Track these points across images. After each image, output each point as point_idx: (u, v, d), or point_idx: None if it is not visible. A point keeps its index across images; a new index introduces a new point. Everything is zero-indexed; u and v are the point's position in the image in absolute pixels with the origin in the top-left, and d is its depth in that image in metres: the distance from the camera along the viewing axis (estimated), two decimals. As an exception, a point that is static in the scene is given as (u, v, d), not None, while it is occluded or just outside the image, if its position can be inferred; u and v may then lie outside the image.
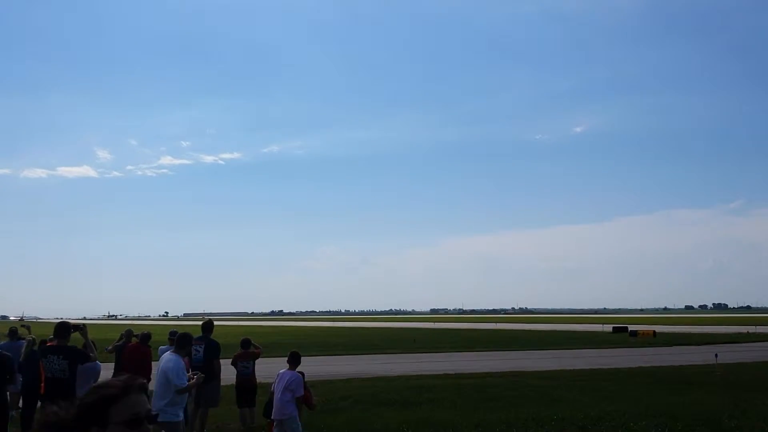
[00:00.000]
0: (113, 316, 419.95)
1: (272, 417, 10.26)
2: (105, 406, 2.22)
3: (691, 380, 21.49)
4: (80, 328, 9.05)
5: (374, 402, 16.48)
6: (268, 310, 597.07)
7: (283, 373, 10.36)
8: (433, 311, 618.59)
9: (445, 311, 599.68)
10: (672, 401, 16.14)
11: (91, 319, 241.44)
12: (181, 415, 8.64)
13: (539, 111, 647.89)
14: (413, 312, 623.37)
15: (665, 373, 24.15)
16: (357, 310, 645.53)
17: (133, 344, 14.26)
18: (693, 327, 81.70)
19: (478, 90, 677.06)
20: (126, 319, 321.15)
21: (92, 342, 9.15)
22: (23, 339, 13.12)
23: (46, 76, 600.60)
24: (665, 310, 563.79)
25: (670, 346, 44.05)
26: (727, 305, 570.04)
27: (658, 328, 66.88)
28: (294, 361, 10.53)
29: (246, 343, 13.99)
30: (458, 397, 17.40)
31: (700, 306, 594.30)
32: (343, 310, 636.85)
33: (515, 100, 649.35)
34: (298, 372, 10.99)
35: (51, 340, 9.27)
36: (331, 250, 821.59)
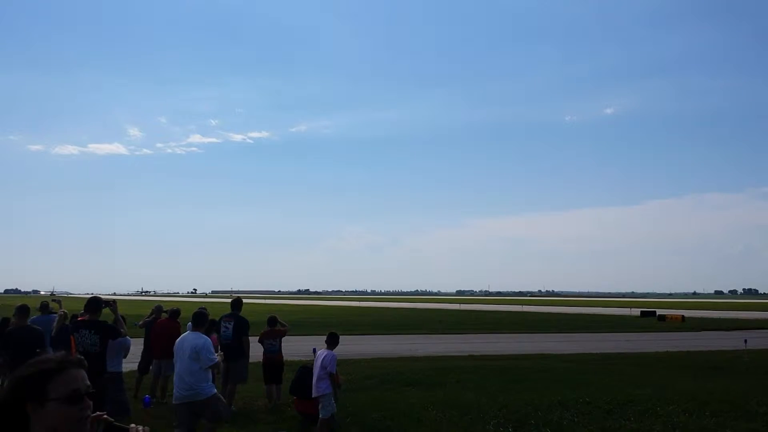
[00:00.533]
0: (147, 291, 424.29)
1: (313, 395, 10.46)
2: (41, 381, 2.11)
3: (720, 366, 21.26)
4: (110, 303, 9.21)
5: (399, 382, 16.54)
6: (294, 289, 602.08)
7: (320, 351, 10.55)
8: (459, 293, 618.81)
9: (471, 293, 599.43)
10: (700, 387, 15.97)
11: (121, 295, 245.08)
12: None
13: (569, 92, 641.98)
14: (439, 293, 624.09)
15: (693, 358, 23.91)
16: (383, 291, 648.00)
17: (163, 320, 14.47)
18: (722, 312, 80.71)
19: (506, 71, 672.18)
20: (155, 295, 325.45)
21: (122, 317, 9.29)
22: (54, 313, 13.34)
23: (78, 54, 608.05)
24: (694, 294, 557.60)
25: (699, 331, 43.66)
26: (757, 291, 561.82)
27: (687, 313, 66.26)
28: (331, 341, 10.66)
29: (272, 321, 14.09)
30: (483, 378, 17.39)
31: (729, 291, 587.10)
32: (369, 290, 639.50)
33: (544, 81, 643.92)
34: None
35: (82, 314, 9.42)
36: (357, 230, 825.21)
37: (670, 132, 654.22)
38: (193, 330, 9.03)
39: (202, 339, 8.76)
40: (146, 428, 2.26)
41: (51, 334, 11.76)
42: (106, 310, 9.14)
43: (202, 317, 9.22)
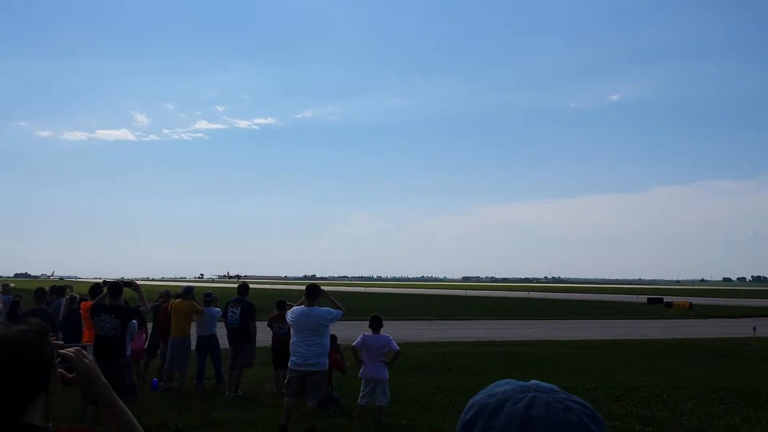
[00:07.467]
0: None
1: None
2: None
3: (728, 353, 21.19)
4: (130, 284, 9.36)
5: (405, 367, 16.49)
6: (300, 275, 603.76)
7: (377, 336, 10.80)
8: (465, 279, 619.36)
9: (477, 279, 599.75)
10: (708, 374, 15.95)
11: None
12: None
13: (574, 79, 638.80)
14: (445, 279, 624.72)
15: (701, 345, 23.83)
16: (389, 276, 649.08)
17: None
18: (730, 299, 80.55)
19: (511, 57, 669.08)
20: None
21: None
22: (63, 297, 13.45)
23: (85, 42, 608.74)
24: (702, 281, 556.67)
25: (707, 318, 43.50)
26: (766, 278, 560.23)
27: (695, 300, 66.01)
28: (379, 325, 10.85)
29: (281, 305, 13.97)
30: (489, 364, 17.38)
31: (738, 278, 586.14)
32: (375, 276, 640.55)
33: (549, 68, 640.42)
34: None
35: (100, 298, 9.54)
36: (363, 216, 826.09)
37: (677, 119, 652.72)
38: (308, 305, 9.35)
39: (323, 309, 9.38)
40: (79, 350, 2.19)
41: (59, 317, 11.88)
42: (129, 291, 9.30)
43: (316, 290, 9.62)
